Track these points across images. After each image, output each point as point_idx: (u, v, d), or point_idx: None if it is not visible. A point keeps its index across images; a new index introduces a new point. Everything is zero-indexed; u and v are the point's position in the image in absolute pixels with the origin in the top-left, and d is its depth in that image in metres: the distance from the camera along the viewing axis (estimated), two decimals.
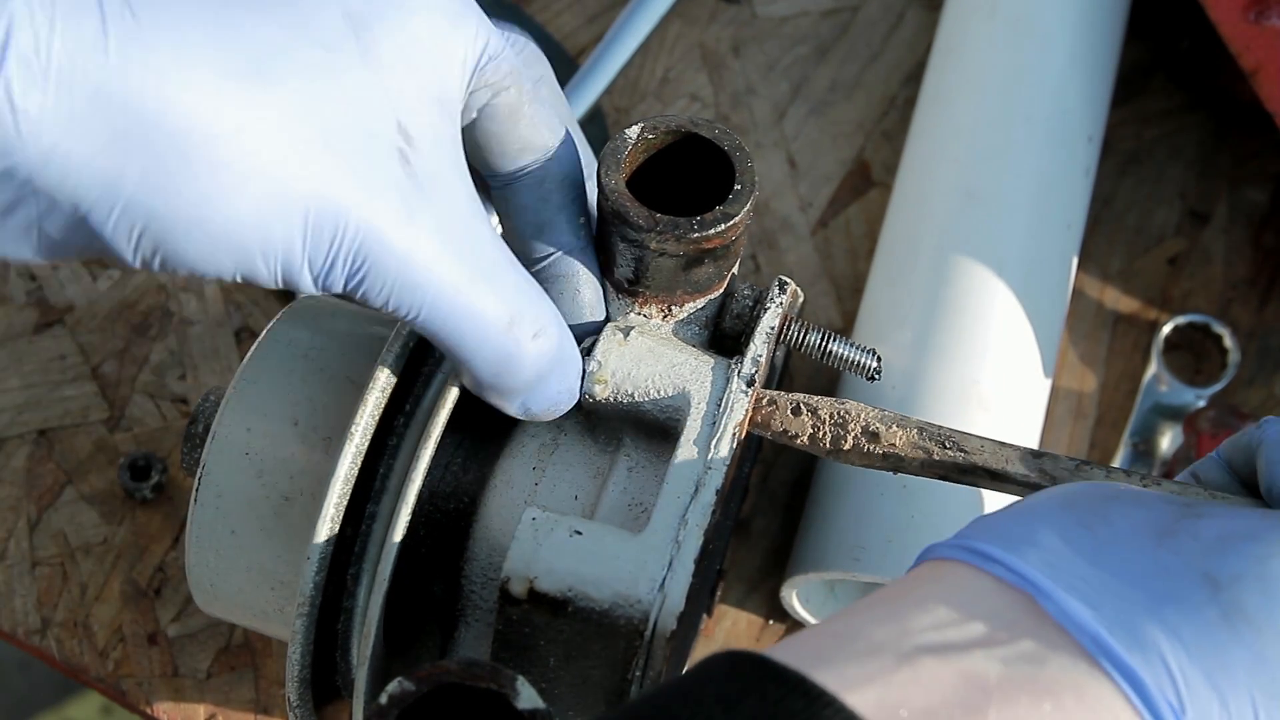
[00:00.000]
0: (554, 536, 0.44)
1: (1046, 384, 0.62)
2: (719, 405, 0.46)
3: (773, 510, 0.64)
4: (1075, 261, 0.65)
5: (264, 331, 0.52)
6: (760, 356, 0.47)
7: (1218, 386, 0.66)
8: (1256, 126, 0.68)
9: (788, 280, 0.49)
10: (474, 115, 0.45)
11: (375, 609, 0.45)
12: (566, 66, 0.73)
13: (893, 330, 0.61)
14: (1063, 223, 0.64)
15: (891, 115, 0.72)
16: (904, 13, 0.75)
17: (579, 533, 0.44)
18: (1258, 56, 0.63)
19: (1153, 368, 0.66)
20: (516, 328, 0.43)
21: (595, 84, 0.70)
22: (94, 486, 0.64)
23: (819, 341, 0.50)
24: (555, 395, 0.46)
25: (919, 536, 0.56)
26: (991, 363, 0.60)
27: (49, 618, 0.61)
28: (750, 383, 0.47)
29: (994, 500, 0.59)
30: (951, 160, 0.64)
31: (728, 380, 0.47)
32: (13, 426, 0.65)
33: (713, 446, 0.46)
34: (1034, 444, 0.61)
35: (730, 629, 0.62)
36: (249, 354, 0.52)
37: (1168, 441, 0.65)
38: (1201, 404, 0.65)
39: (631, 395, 0.47)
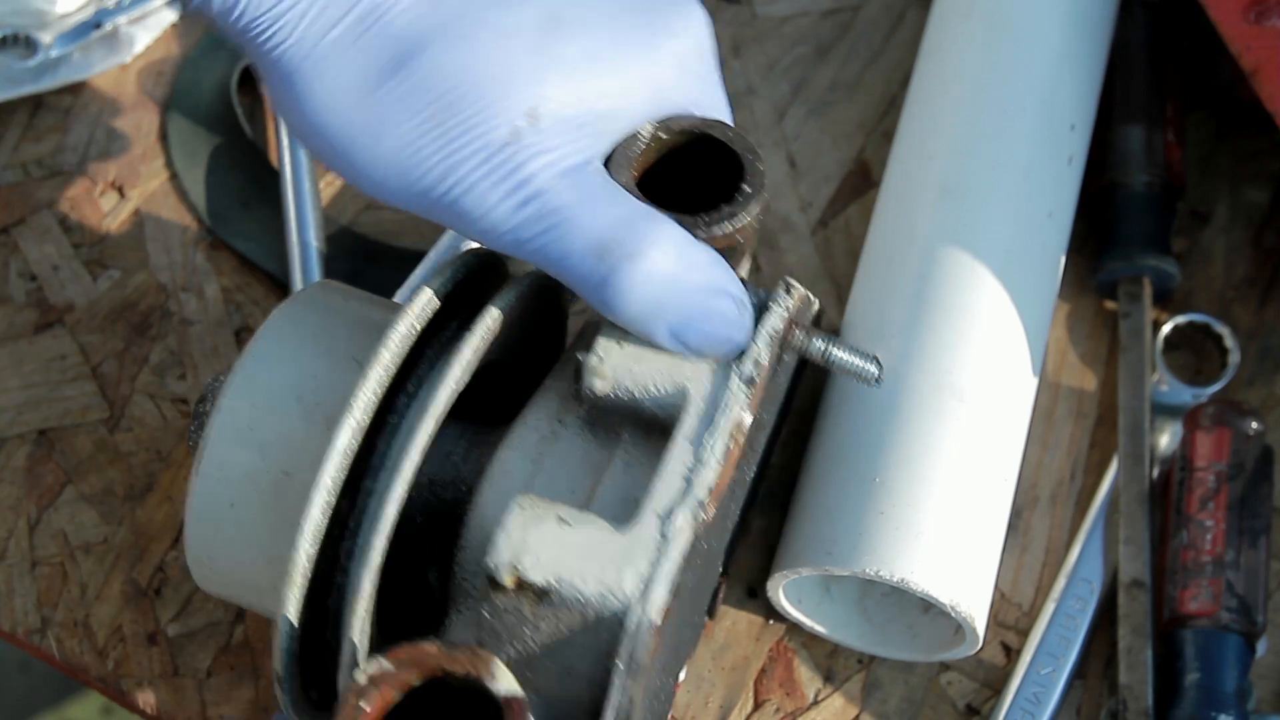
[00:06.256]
0: (541, 525, 0.44)
1: (1031, 374, 0.62)
2: (716, 403, 0.46)
3: (773, 510, 0.64)
4: (1063, 250, 0.65)
5: (274, 311, 0.52)
6: (761, 358, 0.47)
7: (1218, 386, 0.66)
8: (1257, 126, 0.68)
9: (794, 284, 0.49)
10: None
11: (365, 582, 0.45)
12: None
13: (877, 325, 0.61)
14: (1044, 211, 0.64)
15: (892, 115, 0.72)
16: (904, 13, 0.75)
17: (567, 523, 0.44)
18: (1258, 56, 0.63)
19: (1153, 367, 0.66)
20: (609, 252, 0.45)
21: None
22: (94, 486, 0.64)
23: (822, 347, 0.50)
24: (704, 328, 0.47)
25: (889, 530, 0.56)
26: (968, 352, 0.59)
27: (49, 617, 0.61)
28: (750, 382, 0.47)
29: (972, 491, 0.59)
30: (929, 157, 0.64)
31: (727, 379, 0.47)
32: (13, 426, 0.65)
33: (707, 444, 0.46)
34: (1020, 436, 0.61)
35: (731, 629, 0.62)
36: (257, 332, 0.52)
37: (1167, 440, 0.65)
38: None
39: (631, 392, 0.47)
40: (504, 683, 0.39)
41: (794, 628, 0.62)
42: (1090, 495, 0.65)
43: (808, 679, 0.62)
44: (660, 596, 0.43)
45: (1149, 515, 0.62)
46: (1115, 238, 0.67)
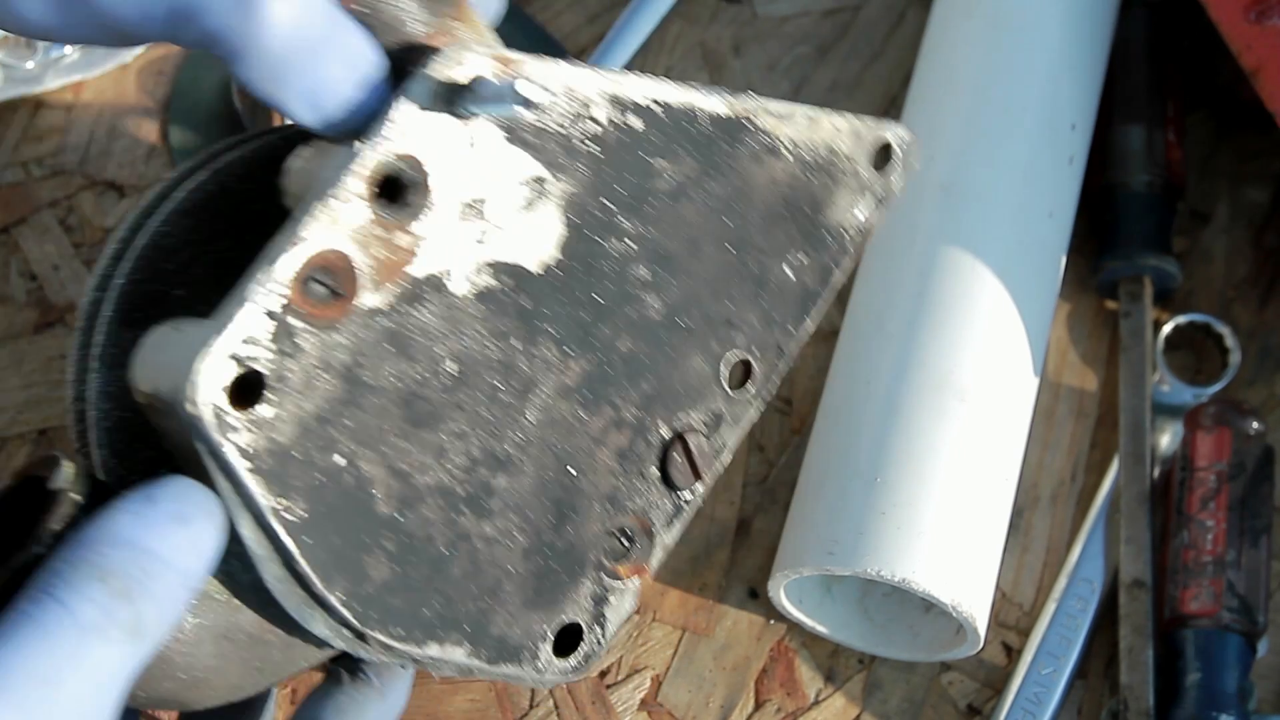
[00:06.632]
0: (161, 337, 0.41)
1: (1032, 373, 0.62)
2: (334, 180, 0.41)
3: (773, 510, 0.64)
4: (1063, 250, 0.65)
5: None
6: (394, 124, 0.41)
7: (1218, 386, 0.66)
8: (1257, 126, 0.68)
9: (475, 48, 0.42)
10: None
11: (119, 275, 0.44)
12: None
13: (877, 325, 0.61)
14: (1044, 211, 0.64)
15: (893, 115, 0.72)
16: (905, 13, 0.75)
17: (180, 329, 0.40)
18: (1258, 56, 0.63)
19: (1153, 367, 0.67)
20: None
21: None
22: None
23: (466, 106, 0.43)
24: (335, 82, 0.42)
25: (890, 530, 0.56)
26: (969, 352, 0.60)
27: None
28: (365, 149, 0.41)
29: (973, 491, 0.59)
30: (929, 157, 0.64)
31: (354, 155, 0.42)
32: (13, 426, 0.65)
33: (306, 215, 0.41)
34: (1021, 436, 0.61)
35: (732, 629, 0.62)
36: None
37: (1168, 440, 0.65)
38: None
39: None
40: (62, 478, 0.38)
41: (795, 628, 0.62)
42: (1091, 495, 0.65)
43: (809, 679, 0.62)
44: (210, 375, 0.39)
45: (1150, 515, 0.62)
46: (1116, 237, 0.67)
